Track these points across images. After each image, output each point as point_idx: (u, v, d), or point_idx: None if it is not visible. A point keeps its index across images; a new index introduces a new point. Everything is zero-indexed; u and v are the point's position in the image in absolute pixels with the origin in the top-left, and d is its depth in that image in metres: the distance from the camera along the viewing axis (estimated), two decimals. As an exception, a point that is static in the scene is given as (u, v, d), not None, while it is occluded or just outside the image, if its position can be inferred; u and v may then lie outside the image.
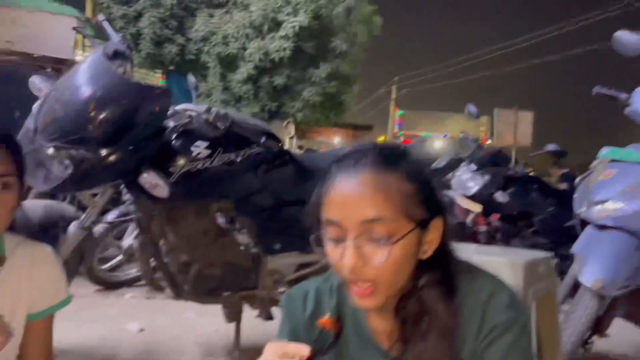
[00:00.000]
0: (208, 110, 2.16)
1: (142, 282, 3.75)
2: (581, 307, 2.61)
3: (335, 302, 1.01)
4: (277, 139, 2.40)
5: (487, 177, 4.45)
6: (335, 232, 0.87)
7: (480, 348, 0.88)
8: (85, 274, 3.82)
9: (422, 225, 0.88)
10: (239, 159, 2.29)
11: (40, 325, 1.26)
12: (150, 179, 2.08)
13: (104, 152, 1.95)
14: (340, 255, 0.86)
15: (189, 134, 2.23)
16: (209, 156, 2.23)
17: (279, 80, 8.22)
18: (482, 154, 4.50)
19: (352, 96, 9.96)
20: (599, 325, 2.70)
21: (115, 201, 3.90)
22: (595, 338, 2.74)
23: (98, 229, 3.70)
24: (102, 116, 1.95)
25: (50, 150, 1.89)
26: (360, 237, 0.85)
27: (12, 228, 1.24)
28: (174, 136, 2.21)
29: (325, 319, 0.88)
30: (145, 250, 2.43)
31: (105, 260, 4.10)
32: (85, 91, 1.97)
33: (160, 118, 2.12)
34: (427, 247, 0.90)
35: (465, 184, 4.49)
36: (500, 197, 4.45)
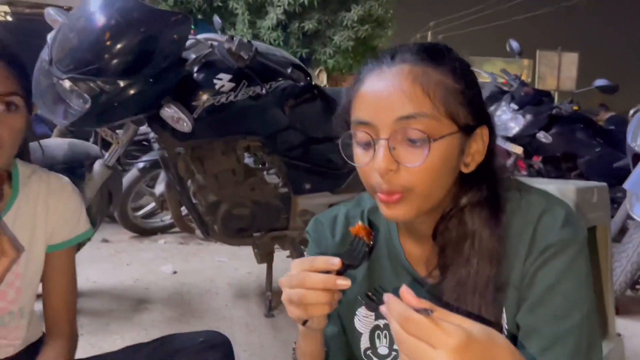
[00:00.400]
0: (231, 39, 2.03)
1: (176, 228, 3.77)
2: (632, 246, 2.46)
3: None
4: (304, 71, 2.26)
5: (529, 117, 4.19)
6: (365, 134, 0.76)
7: (531, 271, 0.77)
8: (120, 221, 3.86)
9: (466, 130, 0.76)
10: (264, 92, 2.17)
11: (61, 256, 1.21)
12: (172, 113, 1.99)
13: (122, 83, 1.86)
14: (370, 160, 0.75)
15: (211, 66, 2.12)
16: (233, 89, 2.12)
17: (309, 25, 7.95)
18: (524, 91, 4.22)
19: (386, 41, 9.59)
20: (651, 266, 2.55)
21: (146, 149, 3.91)
22: (646, 279, 2.60)
23: (129, 176, 3.71)
24: (119, 44, 1.85)
25: (67, 83, 1.82)
26: (394, 137, 0.73)
27: (26, 157, 1.18)
28: (195, 68, 2.11)
29: (358, 225, 0.78)
30: (172, 190, 2.38)
31: (140, 208, 4.14)
32: (100, 18, 1.87)
33: (179, 47, 2.00)
34: (470, 160, 0.78)
35: (506, 125, 4.25)
36: (543, 137, 4.20)
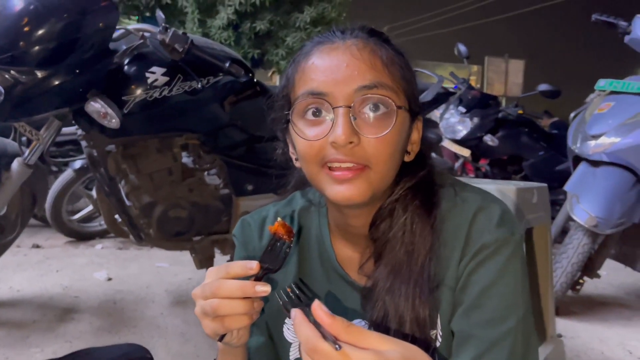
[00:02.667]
0: (164, 30, 1.91)
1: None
2: (572, 247, 2.48)
3: (297, 228, 0.87)
4: (245, 66, 2.16)
5: (476, 120, 4.25)
6: (320, 101, 0.69)
7: (465, 272, 0.72)
8: (53, 225, 3.62)
9: (412, 114, 0.74)
10: (201, 87, 2.06)
11: None
12: (98, 108, 1.84)
13: (40, 74, 1.70)
14: (324, 132, 0.68)
15: (143, 58, 1.98)
16: (167, 84, 2.00)
17: (261, 25, 7.79)
18: (471, 94, 4.27)
19: (338, 44, 9.53)
20: (589, 266, 2.59)
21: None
22: (585, 279, 2.63)
23: (63, 177, 3.48)
24: (37, 31, 1.69)
25: (-23, 71, 1.65)
26: (353, 108, 0.68)
27: None
28: (126, 60, 1.97)
29: (277, 223, 0.71)
30: (103, 192, 2.22)
31: (77, 211, 3.91)
32: (17, 1, 1.71)
33: (106, 36, 1.86)
34: (410, 148, 0.76)
35: (454, 128, 4.29)
36: (490, 140, 4.27)
